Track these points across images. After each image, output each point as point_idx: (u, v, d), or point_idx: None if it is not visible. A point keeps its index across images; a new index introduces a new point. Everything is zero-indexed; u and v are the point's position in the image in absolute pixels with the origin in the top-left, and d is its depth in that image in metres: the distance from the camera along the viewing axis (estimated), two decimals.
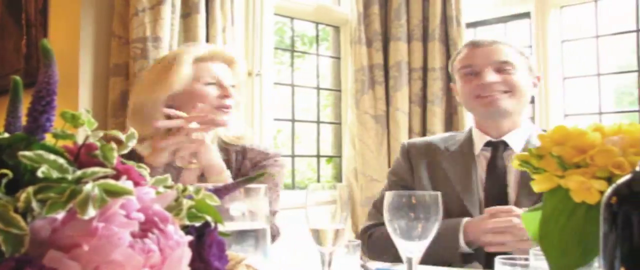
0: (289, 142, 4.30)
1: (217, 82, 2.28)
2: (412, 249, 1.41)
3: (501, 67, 2.28)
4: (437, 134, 2.73)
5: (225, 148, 2.36)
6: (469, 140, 2.36)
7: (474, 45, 2.37)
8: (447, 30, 4.03)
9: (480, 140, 2.32)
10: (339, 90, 4.45)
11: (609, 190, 0.74)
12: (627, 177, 0.74)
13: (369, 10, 4.15)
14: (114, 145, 0.76)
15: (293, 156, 4.29)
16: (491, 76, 2.26)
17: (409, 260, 1.42)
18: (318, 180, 4.43)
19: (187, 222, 0.78)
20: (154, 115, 2.19)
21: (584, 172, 0.93)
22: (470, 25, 4.27)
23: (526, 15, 4.19)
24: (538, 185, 1.01)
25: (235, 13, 3.41)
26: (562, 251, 0.96)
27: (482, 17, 4.36)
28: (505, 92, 2.27)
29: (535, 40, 4.12)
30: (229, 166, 2.23)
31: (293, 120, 4.27)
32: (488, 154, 2.30)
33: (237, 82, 2.36)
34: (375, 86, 4.10)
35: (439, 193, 1.43)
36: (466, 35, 4.02)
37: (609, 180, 0.91)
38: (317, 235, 1.43)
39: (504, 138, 2.29)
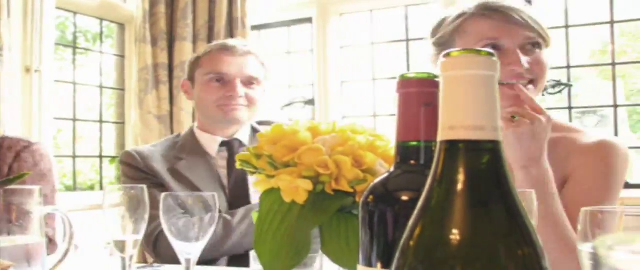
0: (70, 142, 4.16)
1: None
2: (189, 250, 1.41)
3: (249, 81, 2.27)
4: (154, 143, 2.46)
5: None
6: (196, 144, 2.31)
7: (227, 50, 2.30)
8: (233, 32, 4.06)
9: (211, 142, 2.29)
10: (123, 90, 4.36)
11: (367, 189, 0.77)
12: (383, 176, 0.77)
13: (155, 8, 4.10)
14: None
15: (74, 157, 4.15)
16: (240, 89, 2.25)
17: (188, 262, 1.42)
18: (101, 182, 4.32)
19: None
20: None
21: (292, 171, 0.92)
22: (255, 28, 4.34)
23: (308, 20, 4.32)
24: (259, 185, 0.99)
25: (12, 4, 3.25)
26: (276, 252, 0.95)
27: (267, 21, 4.44)
28: (246, 106, 2.27)
29: (317, 45, 4.26)
30: None
31: (74, 120, 4.13)
32: (225, 154, 2.29)
33: None
34: (159, 86, 4.06)
35: (215, 194, 1.44)
36: (251, 38, 4.08)
37: (316, 179, 0.91)
38: (116, 243, 1.41)
39: (236, 136, 2.30)
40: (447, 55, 0.58)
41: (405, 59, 4.15)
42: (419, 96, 0.74)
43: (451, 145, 0.57)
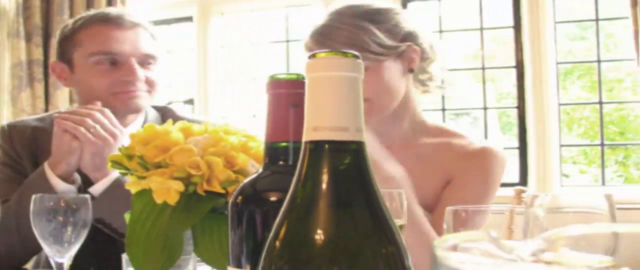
0: None
1: None
2: (62, 254, 1.38)
3: (145, 60, 1.86)
4: (41, 117, 2.02)
5: None
6: None
7: (112, 23, 1.84)
8: None
9: None
10: None
11: (236, 190, 0.77)
12: (252, 177, 0.78)
13: (30, 2, 3.96)
14: None
15: None
16: (140, 72, 1.83)
17: (60, 266, 1.38)
18: None
19: None
20: None
21: (163, 172, 0.90)
22: None
23: (189, 19, 4.28)
24: (131, 187, 0.96)
25: None
26: (148, 255, 0.93)
27: (147, 19, 4.37)
28: (148, 91, 1.87)
29: (197, 44, 4.23)
30: None
31: None
32: None
33: None
34: (34, 83, 3.92)
35: (88, 196, 1.40)
36: None
37: (188, 180, 0.91)
38: None
39: (131, 126, 1.86)
40: (313, 56, 0.59)
41: (285, 59, 4.18)
42: (287, 97, 0.74)
43: (316, 146, 0.59)
